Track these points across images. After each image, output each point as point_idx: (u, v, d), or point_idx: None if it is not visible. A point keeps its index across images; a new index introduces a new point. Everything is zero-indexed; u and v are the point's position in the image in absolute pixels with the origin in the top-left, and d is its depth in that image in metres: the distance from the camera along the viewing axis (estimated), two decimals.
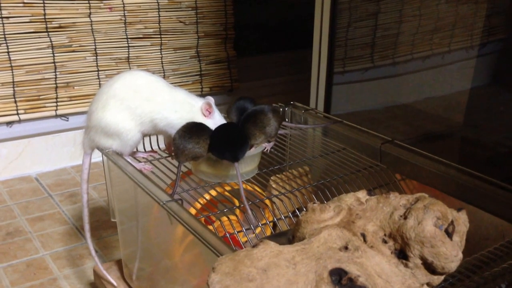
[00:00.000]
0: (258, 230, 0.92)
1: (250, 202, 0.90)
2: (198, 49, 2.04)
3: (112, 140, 0.97)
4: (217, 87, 2.11)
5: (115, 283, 1.10)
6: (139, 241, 1.02)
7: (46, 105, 1.80)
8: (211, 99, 1.00)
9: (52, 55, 1.77)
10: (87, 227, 1.07)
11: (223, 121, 1.01)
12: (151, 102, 0.96)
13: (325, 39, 1.57)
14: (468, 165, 0.92)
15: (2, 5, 1.66)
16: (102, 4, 1.80)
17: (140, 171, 0.93)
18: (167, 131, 0.98)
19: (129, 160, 0.98)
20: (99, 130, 0.97)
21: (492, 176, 0.88)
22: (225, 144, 0.92)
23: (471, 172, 0.90)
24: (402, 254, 0.60)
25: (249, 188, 0.99)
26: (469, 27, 1.38)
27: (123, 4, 1.84)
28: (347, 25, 1.60)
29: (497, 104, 1.34)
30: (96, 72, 1.86)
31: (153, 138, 1.07)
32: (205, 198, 0.93)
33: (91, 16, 1.80)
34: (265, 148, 1.03)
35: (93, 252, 1.07)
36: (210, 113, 0.98)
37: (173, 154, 0.96)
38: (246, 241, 0.92)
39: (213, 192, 0.94)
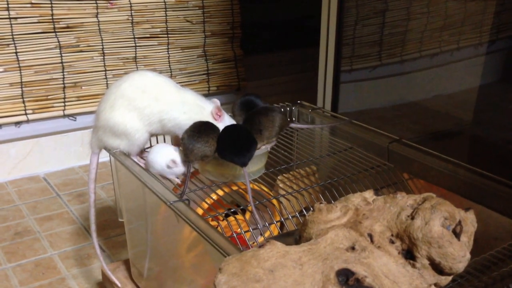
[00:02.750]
0: (267, 234, 0.92)
1: (257, 202, 0.90)
2: (205, 48, 2.04)
3: (120, 140, 0.98)
4: (224, 86, 2.11)
5: (119, 284, 1.10)
6: (149, 241, 1.02)
7: (54, 105, 1.81)
8: (217, 102, 1.01)
9: (60, 55, 1.77)
10: (93, 227, 1.07)
11: (233, 123, 1.01)
12: (160, 102, 0.96)
13: (332, 37, 1.57)
14: (477, 164, 0.91)
15: (10, 5, 1.67)
16: (109, 5, 1.81)
17: (147, 171, 0.93)
18: (175, 132, 0.98)
19: (136, 160, 0.98)
20: (107, 130, 0.97)
21: (501, 175, 0.87)
22: (232, 148, 0.91)
23: (479, 171, 0.90)
24: (409, 255, 0.60)
25: (256, 187, 0.99)
26: (478, 24, 1.37)
27: (130, 4, 1.84)
28: (355, 23, 1.59)
29: (506, 102, 1.33)
30: (104, 72, 1.87)
31: (160, 138, 1.07)
32: (212, 198, 0.93)
33: (98, 16, 1.80)
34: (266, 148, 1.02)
35: (98, 252, 1.07)
36: (220, 116, 0.98)
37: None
38: (253, 243, 0.92)
39: (220, 192, 0.94)
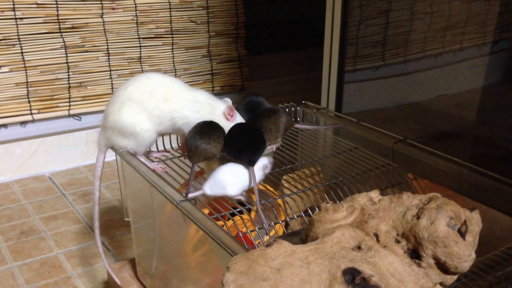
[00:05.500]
0: (272, 232, 0.93)
1: (262, 202, 0.90)
2: (209, 48, 2.05)
3: (128, 141, 0.98)
4: (228, 86, 2.12)
5: (119, 282, 1.11)
6: (156, 240, 1.03)
7: (59, 105, 1.82)
8: (229, 101, 1.01)
9: (65, 55, 1.78)
10: (97, 224, 1.07)
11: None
12: (169, 102, 0.96)
13: (336, 37, 1.57)
14: (481, 164, 0.92)
15: (16, 6, 1.67)
16: (114, 5, 1.82)
17: (154, 171, 0.94)
18: (184, 130, 0.98)
19: (142, 160, 0.99)
20: (116, 131, 0.98)
21: (505, 175, 0.88)
22: (241, 146, 0.91)
23: (483, 171, 0.90)
24: (415, 254, 0.61)
25: (261, 187, 0.99)
26: (481, 24, 1.38)
27: (135, 4, 1.85)
28: (358, 23, 1.60)
29: (510, 102, 1.33)
30: (109, 72, 1.87)
31: (166, 138, 1.08)
32: (217, 198, 0.93)
33: (103, 16, 1.81)
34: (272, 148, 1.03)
35: (100, 250, 1.08)
36: (232, 116, 0.98)
37: (186, 154, 0.96)
38: (259, 242, 0.93)
39: None
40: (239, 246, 0.70)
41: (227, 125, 0.95)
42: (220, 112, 0.97)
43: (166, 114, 0.96)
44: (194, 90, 1.00)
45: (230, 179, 0.90)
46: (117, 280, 1.11)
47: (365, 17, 1.59)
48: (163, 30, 1.93)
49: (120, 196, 1.28)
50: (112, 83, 1.88)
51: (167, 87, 0.98)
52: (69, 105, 1.83)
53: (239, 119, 1.00)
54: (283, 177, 1.04)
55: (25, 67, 1.73)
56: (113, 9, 1.78)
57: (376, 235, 0.62)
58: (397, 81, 1.65)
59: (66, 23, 1.76)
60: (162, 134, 1.02)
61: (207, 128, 0.93)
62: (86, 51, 1.82)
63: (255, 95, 1.07)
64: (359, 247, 0.60)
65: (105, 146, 1.03)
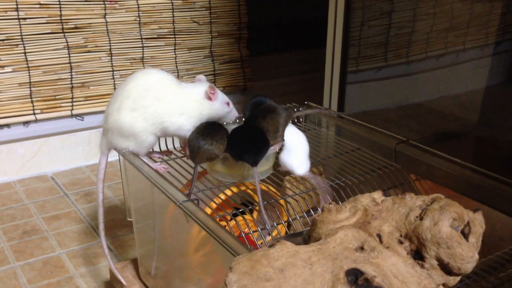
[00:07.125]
0: (274, 233, 0.93)
1: (265, 202, 0.90)
2: (212, 49, 2.05)
3: (128, 141, 0.98)
4: (231, 87, 2.12)
5: (124, 282, 1.11)
6: (157, 240, 1.03)
7: (62, 105, 1.82)
8: (203, 78, 1.01)
9: (68, 55, 1.79)
10: (101, 226, 1.08)
11: (226, 99, 1.01)
12: (162, 102, 0.96)
13: (338, 38, 1.57)
14: (483, 165, 0.92)
15: (19, 6, 1.68)
16: (117, 5, 1.82)
17: (156, 171, 0.94)
18: (180, 134, 0.98)
19: (145, 160, 0.99)
20: (116, 131, 0.98)
21: (508, 177, 0.88)
22: (244, 147, 0.91)
23: (486, 172, 0.90)
24: (418, 255, 0.61)
25: (263, 188, 0.99)
26: (484, 25, 1.38)
27: (138, 4, 1.85)
28: (361, 24, 1.60)
29: None
30: (111, 72, 1.88)
31: (169, 138, 1.08)
32: (220, 198, 0.94)
33: (106, 16, 1.81)
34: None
35: (106, 251, 1.08)
36: (214, 94, 0.97)
37: (188, 155, 0.96)
38: (261, 242, 0.93)
39: (229, 192, 0.95)
40: (241, 246, 0.70)
41: (210, 106, 0.96)
42: (200, 95, 0.97)
43: (159, 114, 0.96)
44: (179, 88, 0.99)
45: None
46: (123, 280, 1.11)
47: (367, 18, 1.59)
48: (165, 30, 1.94)
49: (123, 196, 1.28)
50: (114, 83, 1.89)
51: (162, 86, 0.97)
52: (72, 105, 1.83)
53: (221, 96, 0.99)
54: (285, 177, 1.04)
55: (28, 67, 1.74)
56: (111, 5, 1.78)
57: (379, 236, 0.62)
58: (399, 82, 1.65)
59: (69, 23, 1.76)
60: (159, 137, 1.02)
61: (210, 129, 0.93)
62: (89, 51, 1.82)
63: (262, 96, 1.06)
64: (362, 248, 0.60)
65: (107, 149, 1.03)
